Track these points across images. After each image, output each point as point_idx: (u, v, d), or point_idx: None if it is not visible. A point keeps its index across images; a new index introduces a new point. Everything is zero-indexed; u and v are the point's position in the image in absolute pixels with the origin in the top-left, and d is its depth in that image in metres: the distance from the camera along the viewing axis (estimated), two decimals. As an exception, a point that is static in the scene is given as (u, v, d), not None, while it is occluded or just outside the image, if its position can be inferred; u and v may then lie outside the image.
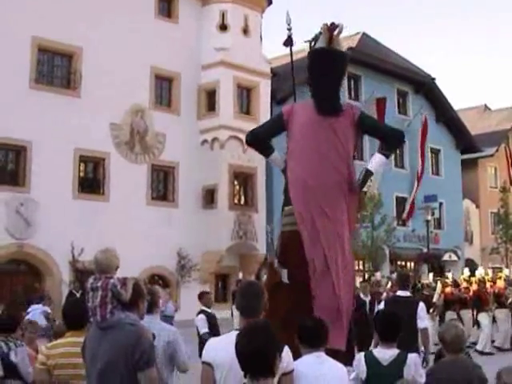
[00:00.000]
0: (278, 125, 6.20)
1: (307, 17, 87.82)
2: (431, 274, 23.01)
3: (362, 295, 13.94)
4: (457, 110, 40.27)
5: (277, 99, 28.58)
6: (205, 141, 27.32)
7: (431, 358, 7.32)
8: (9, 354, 6.28)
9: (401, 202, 35.61)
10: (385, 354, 5.01)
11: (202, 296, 10.75)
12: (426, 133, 36.33)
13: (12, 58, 22.42)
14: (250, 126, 24.92)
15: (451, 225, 38.23)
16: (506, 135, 43.58)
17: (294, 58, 7.59)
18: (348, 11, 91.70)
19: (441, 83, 64.33)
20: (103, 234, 21.54)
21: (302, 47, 12.99)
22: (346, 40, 30.26)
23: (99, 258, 4.37)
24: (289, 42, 7.53)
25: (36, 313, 11.47)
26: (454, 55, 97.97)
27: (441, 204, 37.21)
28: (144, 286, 4.62)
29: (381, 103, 33.42)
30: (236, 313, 14.12)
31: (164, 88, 27.31)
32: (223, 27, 27.79)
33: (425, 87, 37.41)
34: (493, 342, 16.93)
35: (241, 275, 23.00)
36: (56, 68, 24.63)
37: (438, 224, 37.85)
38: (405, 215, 35.44)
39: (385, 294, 16.77)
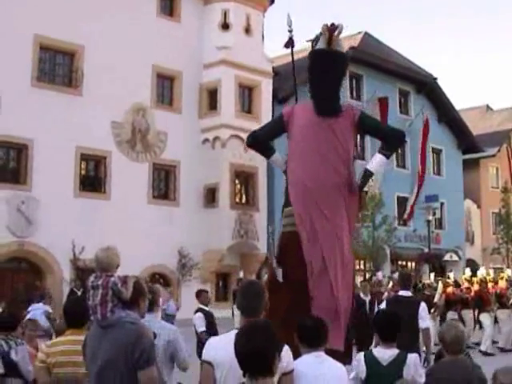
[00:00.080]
0: (278, 126, 6.22)
1: (309, 15, 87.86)
2: (432, 274, 22.99)
3: (362, 295, 13.95)
4: (459, 110, 40.24)
5: (278, 98, 28.58)
6: (206, 140, 27.32)
7: (432, 357, 7.32)
8: (9, 353, 6.29)
9: (402, 201, 35.60)
10: (384, 353, 5.00)
11: (199, 294, 10.75)
12: (427, 133, 36.28)
13: (14, 56, 22.43)
14: (251, 125, 25.21)
15: (452, 225, 38.22)
16: (507, 135, 43.56)
17: (296, 58, 7.59)
18: (350, 10, 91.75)
19: (443, 83, 64.33)
20: (104, 233, 21.54)
21: (303, 46, 13.03)
22: (348, 39, 30.29)
23: (100, 256, 4.37)
24: (290, 44, 7.57)
25: (37, 313, 11.42)
26: (456, 55, 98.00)
27: (442, 204, 37.18)
28: (145, 285, 4.62)
29: (383, 102, 33.40)
30: (237, 312, 14.14)
31: (166, 86, 27.32)
32: (225, 26, 27.78)
33: (427, 87, 37.38)
34: (495, 342, 16.92)
35: (242, 274, 23.02)
36: (58, 66, 24.65)
37: (440, 224, 37.83)
38: (406, 215, 35.43)
39: (386, 294, 16.79)
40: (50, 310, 12.80)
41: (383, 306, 8.43)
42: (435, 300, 17.34)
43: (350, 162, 5.97)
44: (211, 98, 27.49)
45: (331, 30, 5.86)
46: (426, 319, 7.95)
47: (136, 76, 25.50)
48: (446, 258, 37.08)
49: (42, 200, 22.46)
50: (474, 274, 20.26)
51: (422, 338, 7.99)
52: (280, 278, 5.75)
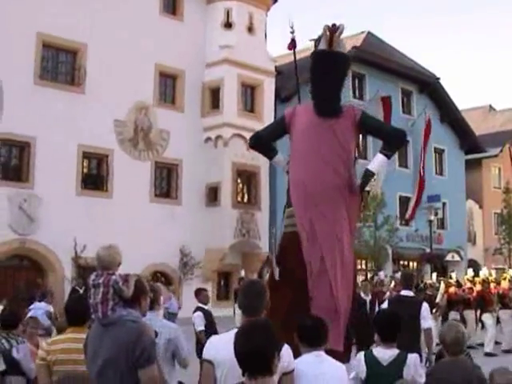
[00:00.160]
0: (280, 127, 6.27)
1: (313, 14, 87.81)
2: (434, 274, 22.97)
3: (362, 294, 13.93)
4: (461, 110, 40.18)
5: (281, 97, 28.56)
6: (208, 138, 27.32)
7: (434, 358, 7.32)
8: (11, 351, 6.29)
9: (404, 201, 35.56)
10: (385, 353, 5.00)
11: (198, 293, 10.75)
12: (428, 133, 36.23)
13: (17, 54, 22.44)
14: (253, 124, 25.22)
15: (454, 225, 38.19)
16: (510, 136, 43.41)
17: (300, 57, 7.63)
18: (353, 9, 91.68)
19: (445, 83, 64.31)
20: (106, 231, 21.54)
21: (306, 46, 13.01)
22: (351, 39, 30.26)
23: (101, 254, 4.36)
24: (292, 45, 7.65)
25: (38, 313, 11.38)
26: (459, 55, 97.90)
27: (444, 204, 37.17)
28: (146, 283, 4.61)
29: (386, 102, 33.36)
30: (238, 311, 14.15)
31: (168, 85, 27.32)
32: (228, 25, 27.77)
33: (429, 87, 37.34)
34: (498, 343, 16.88)
35: (243, 273, 23.02)
36: (60, 64, 24.65)
37: (441, 224, 37.80)
38: (407, 215, 35.39)
39: (388, 294, 16.79)
40: (52, 310, 12.76)
41: (385, 305, 8.43)
42: (437, 300, 17.33)
43: (351, 162, 5.98)
44: (214, 97, 27.49)
45: (332, 31, 5.87)
46: (427, 319, 7.95)
47: (138, 74, 25.51)
48: (448, 258, 37.05)
49: (44, 198, 22.47)
50: (476, 274, 20.24)
51: (423, 338, 7.98)
52: (277, 277, 5.77)
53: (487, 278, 18.89)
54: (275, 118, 25.45)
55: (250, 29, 28.17)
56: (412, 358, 4.99)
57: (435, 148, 38.09)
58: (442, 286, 18.14)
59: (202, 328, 9.90)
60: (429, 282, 21.26)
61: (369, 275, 27.40)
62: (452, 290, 17.96)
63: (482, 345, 16.59)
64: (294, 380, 3.84)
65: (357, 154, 6.41)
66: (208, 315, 10.24)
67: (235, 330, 3.25)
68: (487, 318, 16.97)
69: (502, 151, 42.53)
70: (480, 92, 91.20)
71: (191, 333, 9.87)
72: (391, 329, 5.08)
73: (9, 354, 6.29)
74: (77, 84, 24.34)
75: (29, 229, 22.36)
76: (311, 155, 5.86)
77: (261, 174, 27.79)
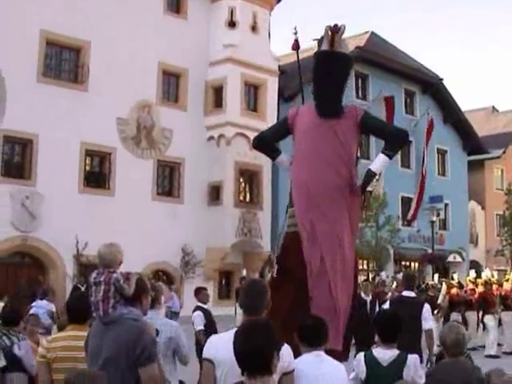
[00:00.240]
0: (283, 128, 6.29)
1: (316, 13, 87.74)
2: (436, 275, 22.95)
3: (363, 295, 13.89)
4: (464, 111, 40.14)
5: (284, 97, 28.56)
6: (211, 137, 27.32)
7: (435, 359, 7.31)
8: (11, 348, 6.29)
9: (406, 202, 35.52)
10: (385, 354, 4.99)
11: (198, 292, 10.72)
12: (430, 133, 36.17)
13: (20, 52, 22.46)
14: (256, 123, 25.23)
15: (456, 226, 38.15)
16: (513, 137, 43.42)
17: (304, 56, 7.66)
18: (356, 9, 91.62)
19: (449, 84, 64.24)
20: (108, 229, 21.54)
21: (310, 45, 13.01)
22: (354, 39, 30.26)
23: (103, 252, 4.36)
24: (296, 46, 7.72)
25: (40, 312, 11.33)
26: (463, 56, 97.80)
27: (446, 205, 37.14)
28: (147, 282, 4.61)
29: (390, 102, 33.36)
30: (239, 310, 14.12)
31: (171, 84, 27.33)
32: (232, 24, 27.76)
33: (432, 87, 37.31)
34: (500, 345, 16.86)
35: (245, 272, 23.00)
36: (64, 62, 24.68)
37: (444, 225, 37.78)
38: (409, 216, 35.36)
39: (390, 294, 16.77)
40: (54, 310, 12.72)
41: (387, 306, 8.42)
42: (439, 301, 17.31)
43: (352, 163, 5.97)
44: (217, 96, 27.49)
45: (333, 32, 5.87)
46: (429, 320, 7.94)
47: (142, 72, 25.52)
48: (450, 259, 37.03)
49: (46, 195, 22.50)
50: (478, 275, 20.22)
51: (424, 339, 7.97)
52: (274, 274, 5.80)
53: (489, 280, 18.85)
54: (278, 117, 25.46)
55: (254, 28, 28.16)
56: (412, 358, 4.98)
57: (438, 149, 38.05)
58: (444, 287, 18.11)
59: (202, 327, 9.89)
60: (431, 283, 21.25)
61: (370, 275, 27.37)
62: (454, 291, 17.93)
63: (483, 347, 16.56)
64: (294, 380, 3.84)
65: (359, 154, 6.40)
66: (208, 314, 10.23)
67: (235, 330, 3.25)
68: (489, 319, 16.95)
69: (504, 152, 42.49)
70: (483, 93, 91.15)
71: (192, 331, 9.87)
72: (391, 329, 5.07)
73: (10, 351, 6.29)
74: (80, 82, 24.36)
75: (31, 226, 22.38)
76: (313, 156, 5.87)
77: (263, 173, 27.78)
